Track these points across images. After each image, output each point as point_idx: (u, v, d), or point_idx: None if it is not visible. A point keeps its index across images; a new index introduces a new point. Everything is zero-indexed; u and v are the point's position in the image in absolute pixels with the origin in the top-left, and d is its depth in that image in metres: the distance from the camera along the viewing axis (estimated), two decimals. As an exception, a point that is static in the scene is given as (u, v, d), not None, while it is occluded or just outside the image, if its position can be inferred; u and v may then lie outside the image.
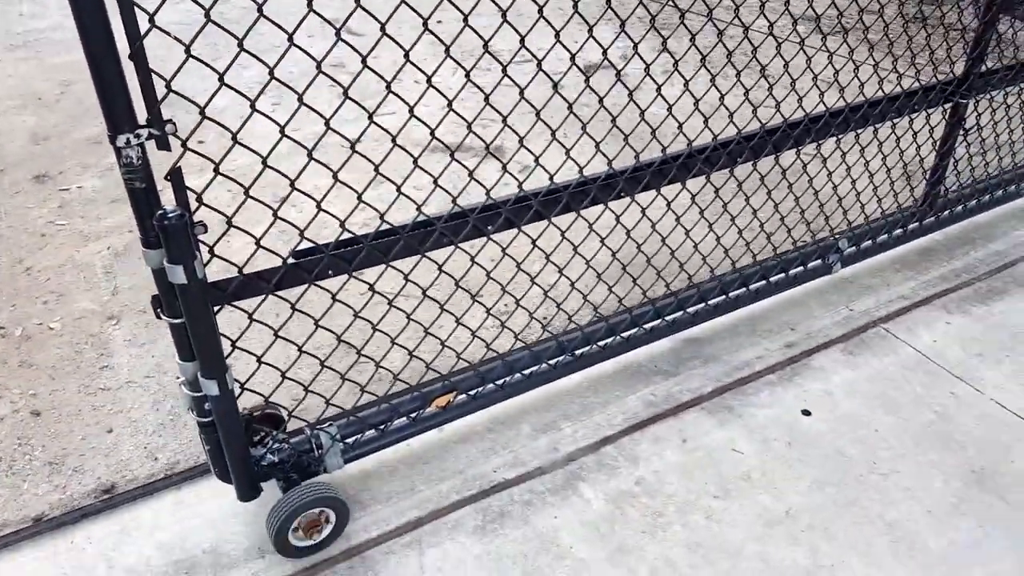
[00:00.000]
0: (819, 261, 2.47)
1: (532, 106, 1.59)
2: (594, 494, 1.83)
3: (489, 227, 1.70)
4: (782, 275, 2.40)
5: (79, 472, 1.89)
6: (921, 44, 2.32)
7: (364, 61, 1.36)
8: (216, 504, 1.81)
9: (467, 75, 1.54)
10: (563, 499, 1.82)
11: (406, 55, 1.37)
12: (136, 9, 1.12)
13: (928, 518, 1.78)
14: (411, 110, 1.45)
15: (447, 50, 1.46)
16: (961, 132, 2.58)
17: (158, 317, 1.41)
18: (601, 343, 2.10)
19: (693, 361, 2.26)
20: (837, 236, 2.53)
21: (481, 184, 1.66)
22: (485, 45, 1.48)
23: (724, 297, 2.28)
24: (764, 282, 2.36)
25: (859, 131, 2.29)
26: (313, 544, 1.68)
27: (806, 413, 2.07)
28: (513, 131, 1.72)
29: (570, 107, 1.75)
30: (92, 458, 1.93)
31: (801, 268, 2.43)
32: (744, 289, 2.33)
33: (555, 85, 1.65)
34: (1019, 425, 2.03)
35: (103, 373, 2.20)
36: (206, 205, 1.33)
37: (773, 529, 1.76)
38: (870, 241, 2.59)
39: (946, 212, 2.76)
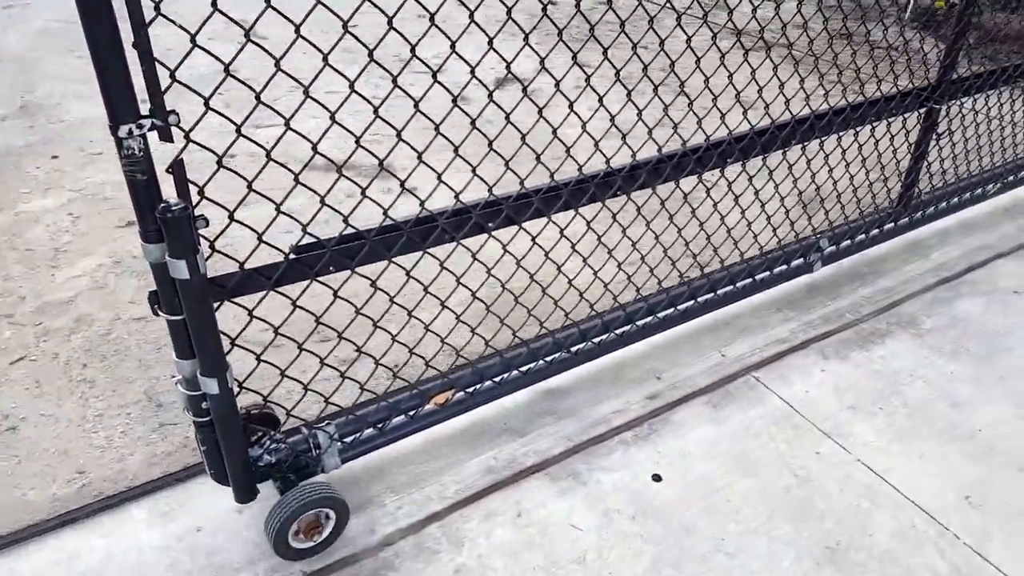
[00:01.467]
0: (709, 294, 2.32)
1: (431, 120, 1.49)
2: (405, 587, 1.63)
3: (490, 223, 1.70)
4: (691, 302, 2.24)
5: None
6: (847, 61, 2.30)
7: (277, 64, 1.26)
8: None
9: (351, 85, 1.36)
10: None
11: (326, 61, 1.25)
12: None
13: (772, 605, 1.63)
14: (287, 123, 1.28)
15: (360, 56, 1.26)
16: (934, 136, 2.65)
17: (155, 314, 1.36)
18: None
19: (546, 417, 2.07)
20: (819, 235, 2.55)
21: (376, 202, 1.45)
22: (370, 53, 1.37)
23: (587, 343, 2.11)
24: (651, 317, 2.20)
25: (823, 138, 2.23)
26: (313, 545, 1.65)
27: (657, 478, 1.90)
28: (410, 147, 1.55)
29: (473, 122, 1.60)
30: None
31: (712, 294, 2.28)
32: (623, 329, 2.16)
33: (455, 99, 1.53)
34: (882, 490, 1.89)
35: None
36: (208, 199, 1.29)
37: (600, 623, 1.58)
38: (849, 240, 2.61)
39: (919, 213, 2.82)
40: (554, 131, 1.75)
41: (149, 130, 1.17)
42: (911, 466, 1.97)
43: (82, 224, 2.86)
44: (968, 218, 3.08)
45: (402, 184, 1.60)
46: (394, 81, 1.41)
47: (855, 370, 2.28)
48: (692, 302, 2.30)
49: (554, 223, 1.82)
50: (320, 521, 1.64)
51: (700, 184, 2.06)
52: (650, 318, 2.24)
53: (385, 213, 1.55)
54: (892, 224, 2.79)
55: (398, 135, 1.50)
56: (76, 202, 2.99)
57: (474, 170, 1.66)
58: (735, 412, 2.11)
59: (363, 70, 1.41)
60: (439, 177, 1.61)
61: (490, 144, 1.65)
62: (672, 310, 2.25)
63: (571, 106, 1.74)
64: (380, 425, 1.76)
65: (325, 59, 1.27)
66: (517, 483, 1.87)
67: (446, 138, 1.61)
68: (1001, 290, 2.67)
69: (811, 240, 2.55)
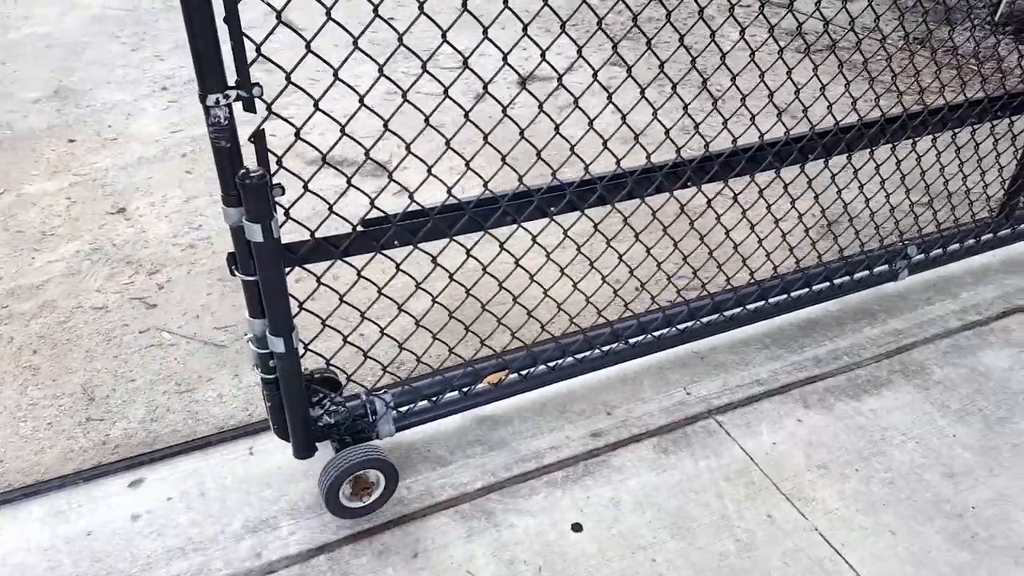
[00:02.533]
0: (712, 315, 2.10)
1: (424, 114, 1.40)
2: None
3: (553, 208, 1.71)
4: (643, 336, 2.04)
5: None
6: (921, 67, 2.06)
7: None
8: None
9: (380, 70, 1.37)
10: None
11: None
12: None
13: None
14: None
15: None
16: None
17: (232, 274, 1.45)
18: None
19: (475, 447, 1.92)
20: (906, 242, 2.41)
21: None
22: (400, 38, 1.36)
23: (538, 367, 1.94)
24: (594, 351, 2.01)
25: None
26: (363, 506, 1.71)
27: (577, 528, 1.72)
28: (401, 139, 1.51)
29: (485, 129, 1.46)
30: None
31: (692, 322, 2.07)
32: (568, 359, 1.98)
33: (446, 90, 1.47)
34: (836, 569, 1.64)
35: None
36: (285, 168, 1.36)
37: None
38: (940, 250, 2.46)
39: (1023, 224, 2.60)
40: (522, 131, 1.60)
41: (234, 100, 1.24)
42: (877, 544, 1.70)
43: (76, 209, 2.91)
44: (1015, 254, 2.71)
45: (466, 163, 1.58)
46: (380, 70, 1.35)
47: (836, 423, 2.02)
48: (670, 329, 2.09)
49: (529, 231, 1.68)
50: (370, 483, 1.71)
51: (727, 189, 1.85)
52: (616, 344, 2.06)
53: (449, 192, 1.61)
54: (991, 235, 2.57)
55: (426, 121, 1.47)
56: (76, 186, 3.05)
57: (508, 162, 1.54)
58: (684, 460, 1.89)
59: (392, 54, 1.42)
60: (503, 158, 1.59)
61: (523, 137, 1.52)
62: (644, 336, 2.05)
63: (610, 97, 1.62)
64: (434, 399, 1.82)
65: (355, 42, 1.29)
66: (424, 518, 1.73)
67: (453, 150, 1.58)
68: (1037, 341, 2.32)
69: (893, 248, 2.30)
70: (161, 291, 2.46)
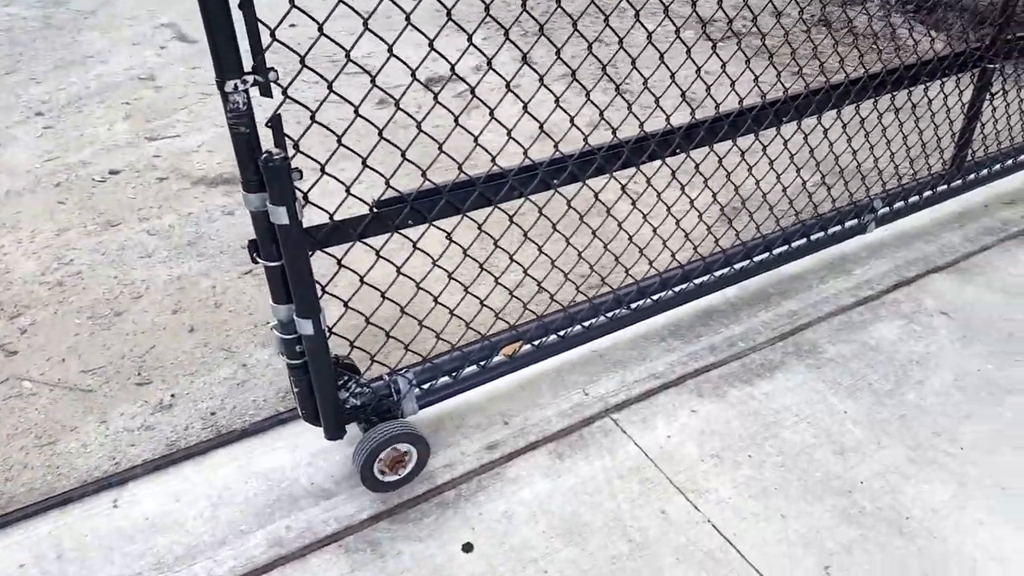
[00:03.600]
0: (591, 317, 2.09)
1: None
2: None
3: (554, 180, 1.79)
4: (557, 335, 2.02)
5: None
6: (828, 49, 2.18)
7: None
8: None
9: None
10: None
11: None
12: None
13: None
14: None
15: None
16: (987, 96, 2.61)
17: (254, 261, 1.45)
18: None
19: (367, 472, 1.88)
20: (872, 196, 2.54)
21: None
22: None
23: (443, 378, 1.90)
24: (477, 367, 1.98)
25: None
26: (397, 479, 1.77)
27: (467, 548, 1.68)
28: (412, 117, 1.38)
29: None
30: None
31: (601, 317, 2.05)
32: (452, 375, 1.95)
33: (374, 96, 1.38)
34: (727, 559, 1.63)
35: None
36: (302, 152, 1.37)
37: None
38: (902, 202, 2.60)
39: (972, 175, 2.77)
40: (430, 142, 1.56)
41: (252, 86, 1.25)
42: (769, 528, 1.71)
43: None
44: (909, 227, 2.77)
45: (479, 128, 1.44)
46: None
47: (729, 410, 2.02)
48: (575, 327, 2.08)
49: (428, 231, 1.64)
50: (403, 457, 1.76)
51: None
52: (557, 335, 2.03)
53: (460, 168, 1.66)
54: (945, 186, 2.71)
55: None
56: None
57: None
58: (579, 463, 1.87)
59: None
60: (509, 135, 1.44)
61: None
62: (546, 338, 2.03)
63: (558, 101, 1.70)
64: (454, 374, 1.87)
65: (366, 24, 1.40)
66: (304, 558, 1.66)
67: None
68: (926, 311, 2.37)
69: (852, 207, 2.30)
70: (24, 336, 2.33)
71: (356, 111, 1.43)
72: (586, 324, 2.09)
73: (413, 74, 1.47)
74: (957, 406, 2.02)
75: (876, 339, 2.26)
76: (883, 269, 2.56)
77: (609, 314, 2.11)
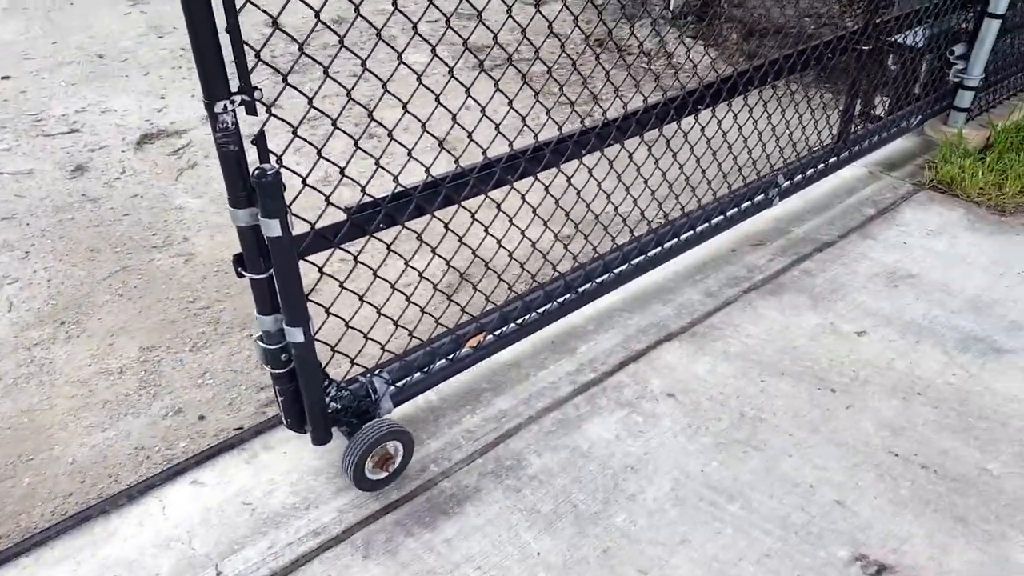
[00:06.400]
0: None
1: None
2: None
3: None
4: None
5: None
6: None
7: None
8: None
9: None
10: None
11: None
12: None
13: None
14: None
15: None
16: (864, 75, 2.83)
17: (239, 276, 1.47)
18: None
19: None
20: (776, 171, 2.68)
21: None
22: None
23: None
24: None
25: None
26: (388, 475, 1.75)
27: None
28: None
29: None
30: None
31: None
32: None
33: None
34: None
35: None
36: (284, 166, 1.38)
37: None
38: (800, 176, 2.77)
39: (856, 147, 2.97)
40: None
41: (239, 105, 1.28)
42: None
43: None
44: (648, 284, 2.47)
45: None
46: None
47: (401, 571, 1.59)
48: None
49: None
50: (391, 454, 1.75)
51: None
52: None
53: (427, 171, 1.69)
54: (835, 158, 2.90)
55: None
56: None
57: None
58: None
59: None
60: None
61: None
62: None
63: None
64: (425, 369, 1.88)
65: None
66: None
67: None
68: (651, 394, 2.05)
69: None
70: None
71: (334, 123, 1.85)
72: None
73: None
74: (672, 527, 1.69)
75: (590, 441, 1.91)
76: (611, 343, 2.23)
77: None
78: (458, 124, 1.70)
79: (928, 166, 3.16)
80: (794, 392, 2.06)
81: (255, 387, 2.15)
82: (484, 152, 1.77)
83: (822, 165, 2.91)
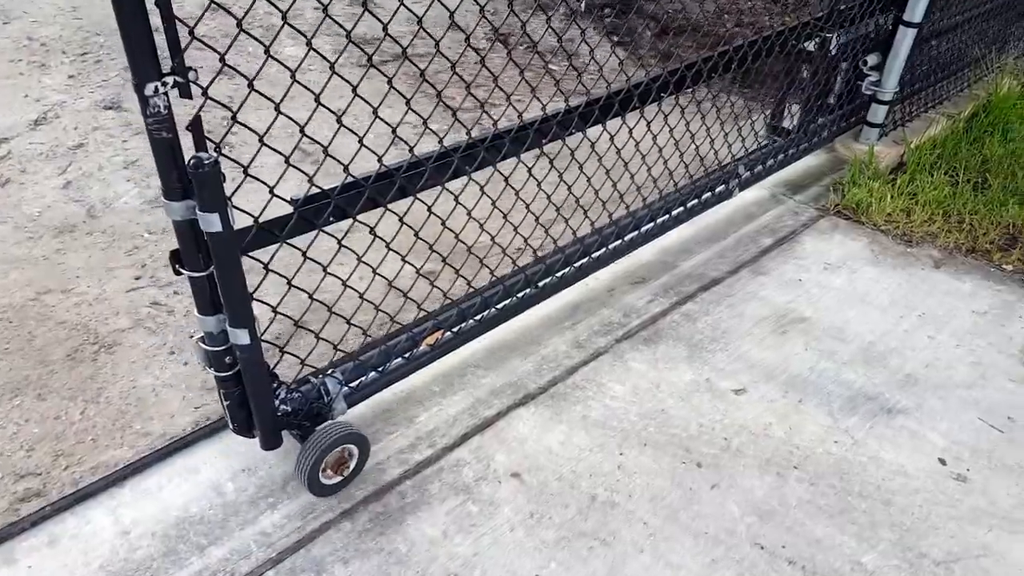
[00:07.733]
0: None
1: None
2: None
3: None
4: None
5: None
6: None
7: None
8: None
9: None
10: None
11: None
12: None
13: None
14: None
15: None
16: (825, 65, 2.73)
17: (177, 273, 1.36)
18: None
19: None
20: (737, 161, 2.59)
21: None
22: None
23: None
24: None
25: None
26: (343, 480, 1.65)
27: None
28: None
29: None
30: None
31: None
32: None
33: None
34: None
35: None
36: (224, 155, 1.26)
37: None
38: (761, 166, 2.68)
39: (815, 138, 2.92)
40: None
41: (172, 87, 1.18)
42: None
43: None
44: (517, 329, 2.19)
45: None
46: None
47: None
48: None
49: None
50: (345, 457, 1.65)
51: None
52: None
53: (379, 160, 1.54)
54: (795, 148, 2.84)
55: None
56: None
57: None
58: None
59: None
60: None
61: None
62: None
63: None
64: (380, 368, 1.78)
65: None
66: None
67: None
68: (494, 475, 1.73)
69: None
70: None
71: (277, 108, 1.29)
72: None
73: None
74: (488, 665, 1.41)
75: (412, 540, 1.58)
76: (456, 409, 1.90)
77: None
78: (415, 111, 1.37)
79: (834, 188, 2.93)
80: (656, 468, 1.80)
81: (14, 475, 1.79)
82: (440, 141, 1.55)
83: (722, 187, 2.68)
